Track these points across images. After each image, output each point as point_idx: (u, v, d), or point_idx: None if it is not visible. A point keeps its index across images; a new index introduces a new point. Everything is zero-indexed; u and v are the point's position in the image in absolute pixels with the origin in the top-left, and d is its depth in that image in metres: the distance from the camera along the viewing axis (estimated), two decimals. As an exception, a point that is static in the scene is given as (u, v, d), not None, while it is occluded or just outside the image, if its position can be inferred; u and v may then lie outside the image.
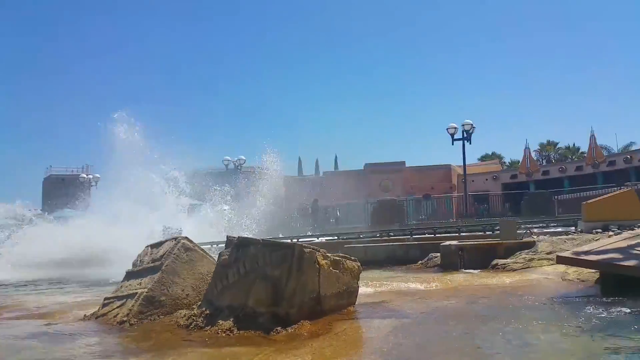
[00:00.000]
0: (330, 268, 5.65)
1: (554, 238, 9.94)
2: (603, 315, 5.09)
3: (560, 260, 6.56)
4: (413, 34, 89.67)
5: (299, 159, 57.69)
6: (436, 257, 10.82)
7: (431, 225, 20.82)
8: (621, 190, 11.34)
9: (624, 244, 6.75)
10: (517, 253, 9.58)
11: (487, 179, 38.57)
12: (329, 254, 5.77)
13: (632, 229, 8.87)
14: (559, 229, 11.83)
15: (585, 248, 6.92)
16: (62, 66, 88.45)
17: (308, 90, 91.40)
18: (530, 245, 9.71)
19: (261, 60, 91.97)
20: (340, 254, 6.08)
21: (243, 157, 27.05)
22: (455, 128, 21.17)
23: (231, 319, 5.15)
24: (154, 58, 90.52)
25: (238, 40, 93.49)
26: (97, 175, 34.93)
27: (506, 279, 8.29)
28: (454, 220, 27.71)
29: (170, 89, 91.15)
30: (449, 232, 16.00)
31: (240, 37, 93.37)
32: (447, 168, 38.72)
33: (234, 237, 5.77)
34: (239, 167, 26.87)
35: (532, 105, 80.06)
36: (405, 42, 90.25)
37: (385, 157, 50.51)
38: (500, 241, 10.03)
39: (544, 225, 13.92)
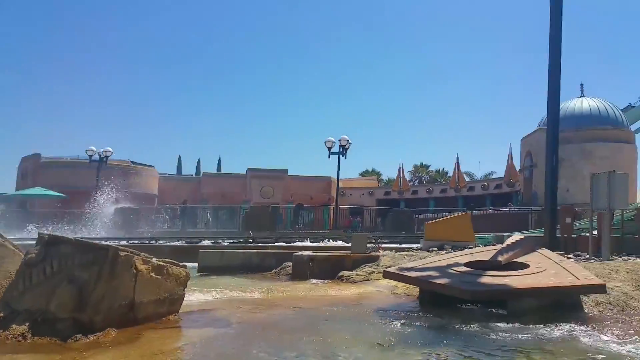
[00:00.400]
0: (151, 274, 5.40)
1: (397, 254, 10.58)
2: (404, 329, 5.48)
3: (386, 275, 6.96)
4: (303, 41, 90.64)
5: (179, 157, 55.34)
6: (289, 266, 10.95)
7: (299, 235, 21.31)
8: (458, 214, 12.48)
9: (444, 263, 7.36)
10: (362, 266, 10.05)
11: (363, 194, 40.42)
12: (153, 259, 5.52)
13: (463, 250, 9.78)
14: (406, 245, 12.66)
15: (410, 265, 7.43)
16: None
17: (191, 87, 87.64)
18: (374, 259, 10.22)
19: (148, 50, 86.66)
20: (167, 260, 5.85)
21: (110, 149, 25.29)
22: (333, 142, 21.94)
23: (27, 324, 4.68)
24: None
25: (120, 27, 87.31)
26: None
27: (345, 290, 8.64)
28: (330, 230, 28.56)
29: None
30: (314, 242, 16.46)
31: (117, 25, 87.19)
32: (328, 180, 39.86)
33: (45, 235, 5.28)
34: (105, 160, 25.07)
35: (410, 128, 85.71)
36: (296, 50, 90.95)
37: (270, 165, 50.69)
38: (349, 254, 10.45)
39: (400, 241, 14.86)
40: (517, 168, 30.77)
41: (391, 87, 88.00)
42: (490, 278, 6.35)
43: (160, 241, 16.73)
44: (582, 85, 29.16)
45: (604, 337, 5.07)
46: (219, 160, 52.94)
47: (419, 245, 12.53)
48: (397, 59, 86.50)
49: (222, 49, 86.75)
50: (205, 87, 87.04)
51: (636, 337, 5.08)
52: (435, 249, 10.34)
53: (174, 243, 15.26)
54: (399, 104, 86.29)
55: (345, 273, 9.89)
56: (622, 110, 36.39)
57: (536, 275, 6.42)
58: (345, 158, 22.53)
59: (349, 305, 7.04)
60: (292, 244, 13.42)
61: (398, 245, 13.55)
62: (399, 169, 39.01)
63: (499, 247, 7.96)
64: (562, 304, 6.38)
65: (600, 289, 5.86)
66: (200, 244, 13.97)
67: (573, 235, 10.98)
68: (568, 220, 11.15)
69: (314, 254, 10.60)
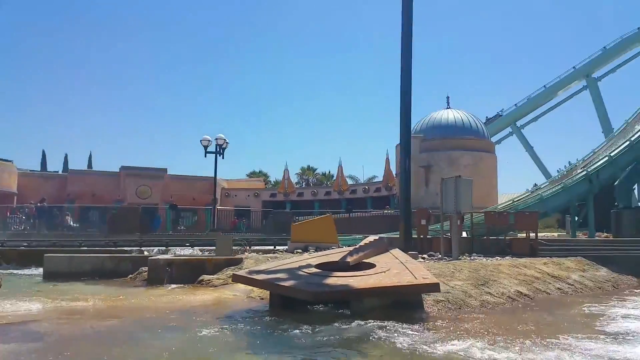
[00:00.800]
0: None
1: (261, 255, 10.39)
2: (241, 337, 5.28)
3: (235, 278, 6.71)
4: (188, 33, 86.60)
5: (43, 152, 49.73)
6: (146, 271, 10.24)
7: (178, 237, 20.31)
8: (321, 217, 12.66)
9: (297, 264, 7.28)
10: (225, 269, 9.67)
11: (249, 195, 39.84)
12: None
13: (326, 250, 9.85)
14: (281, 247, 12.51)
15: (262, 267, 7.25)
16: None
17: (56, 76, 77.65)
18: (238, 261, 9.92)
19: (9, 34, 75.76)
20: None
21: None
22: (209, 141, 21.24)
23: None
24: None
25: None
26: None
27: (200, 295, 8.21)
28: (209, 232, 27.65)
29: None
30: (184, 245, 15.70)
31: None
32: (210, 180, 38.65)
33: None
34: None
35: (298, 131, 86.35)
36: (179, 45, 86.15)
37: (148, 163, 47.63)
38: (209, 257, 10.03)
39: (275, 242, 14.69)
40: (394, 172, 32.41)
41: (282, 90, 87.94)
42: (335, 279, 6.37)
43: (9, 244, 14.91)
44: (448, 97, 31.56)
45: (428, 336, 5.28)
46: (90, 157, 48.84)
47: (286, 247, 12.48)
48: (287, 65, 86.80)
49: (96, 37, 78.88)
50: (73, 76, 77.91)
51: (456, 335, 5.35)
52: (300, 250, 10.32)
53: (20, 247, 13.62)
54: (287, 106, 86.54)
55: (206, 277, 9.45)
56: (490, 119, 40.27)
57: (379, 275, 6.57)
58: (223, 157, 21.89)
59: (196, 313, 6.66)
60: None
61: (271, 247, 13.39)
62: (284, 171, 39.04)
63: (350, 248, 8.09)
64: (403, 302, 6.60)
65: (434, 287, 6.14)
66: (47, 247, 12.57)
67: (429, 237, 11.62)
68: (423, 222, 11.81)
69: (172, 257, 10.02)
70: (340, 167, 37.63)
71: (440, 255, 10.69)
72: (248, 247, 11.50)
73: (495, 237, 12.54)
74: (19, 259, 12.79)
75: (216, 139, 21.49)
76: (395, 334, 5.29)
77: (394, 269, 7.01)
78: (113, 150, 77.27)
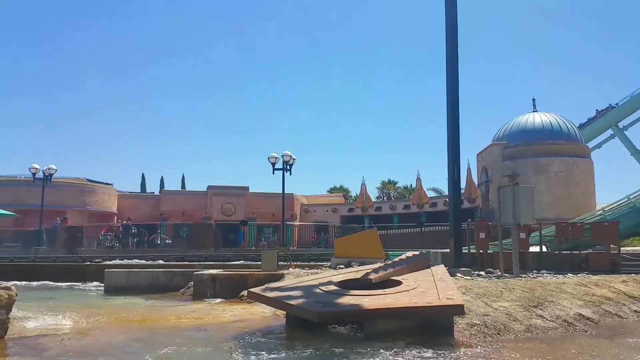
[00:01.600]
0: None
1: (303, 271, 10.06)
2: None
3: (250, 295, 6.42)
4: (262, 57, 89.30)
5: (143, 175, 55.54)
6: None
7: (247, 252, 20.71)
8: (366, 231, 12.03)
9: (316, 281, 6.85)
10: (266, 284, 9.48)
11: (327, 210, 39.88)
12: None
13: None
14: (324, 264, 12.13)
15: (279, 284, 6.92)
16: None
17: (150, 102, 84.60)
18: (279, 277, 9.68)
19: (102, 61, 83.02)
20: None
21: (54, 167, 24.43)
22: (277, 158, 21.45)
23: None
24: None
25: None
26: None
27: (231, 312, 8.08)
28: (293, 247, 28.14)
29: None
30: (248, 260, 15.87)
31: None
32: (290, 197, 39.25)
33: None
34: (49, 178, 24.19)
35: (376, 144, 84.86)
36: (255, 67, 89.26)
37: (232, 182, 49.97)
38: (251, 272, 9.90)
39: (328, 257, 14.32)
40: (477, 183, 30.59)
41: (359, 101, 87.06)
42: (349, 298, 5.86)
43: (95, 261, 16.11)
44: (534, 100, 29.11)
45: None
46: (182, 178, 52.09)
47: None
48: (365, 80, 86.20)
49: (179, 64, 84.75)
50: (162, 108, 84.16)
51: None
52: (342, 265, 9.84)
53: (104, 262, 14.53)
54: (362, 118, 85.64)
55: (246, 292, 9.34)
56: (582, 125, 36.78)
57: (400, 294, 5.95)
58: (290, 174, 22.04)
59: (214, 329, 6.49)
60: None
61: (324, 263, 13.04)
62: (361, 186, 38.60)
63: (378, 265, 7.50)
64: (431, 325, 5.90)
65: (456, 310, 5.39)
66: (108, 262, 13.26)
67: (489, 252, 10.56)
68: (482, 235, 10.76)
69: (216, 272, 10.02)
70: (418, 180, 36.33)
71: (500, 273, 9.64)
72: (292, 263, 11.23)
73: (569, 252, 11.11)
74: (96, 274, 13.66)
75: (282, 155, 21.69)
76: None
77: (421, 287, 6.33)
78: (203, 171, 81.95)
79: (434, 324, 5.93)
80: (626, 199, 17.68)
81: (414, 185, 49.63)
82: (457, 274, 9.08)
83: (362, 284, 6.65)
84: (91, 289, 11.96)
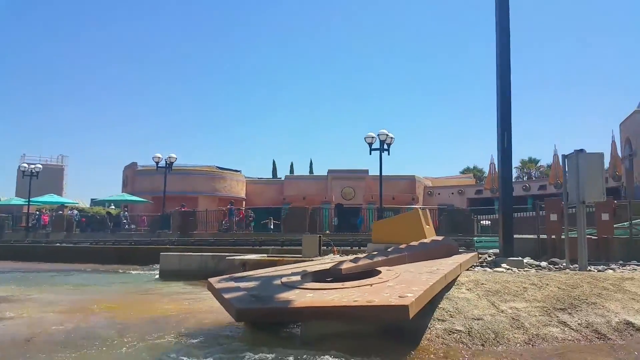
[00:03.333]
0: None
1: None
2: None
3: (208, 285, 5.97)
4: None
5: (274, 161, 59.85)
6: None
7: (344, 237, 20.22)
8: (407, 212, 10.55)
9: (289, 271, 6.15)
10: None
11: (452, 193, 37.45)
12: None
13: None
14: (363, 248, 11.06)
15: (249, 273, 6.35)
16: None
17: (284, 91, 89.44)
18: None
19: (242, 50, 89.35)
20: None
21: (174, 155, 26.68)
22: (373, 137, 20.44)
23: None
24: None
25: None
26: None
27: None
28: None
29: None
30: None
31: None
32: (412, 179, 37.76)
33: None
34: (169, 165, 26.54)
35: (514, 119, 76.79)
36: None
37: (356, 165, 49.78)
38: (281, 257, 9.45)
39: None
40: (621, 156, 25.70)
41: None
42: (296, 292, 5.05)
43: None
44: None
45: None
46: (310, 163, 53.39)
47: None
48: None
49: (302, 52, 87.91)
50: (292, 90, 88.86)
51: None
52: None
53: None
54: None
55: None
56: None
57: (355, 289, 4.97)
58: (389, 154, 20.87)
59: (146, 323, 6.22)
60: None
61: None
62: (490, 165, 35.01)
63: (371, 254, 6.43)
64: (395, 330, 4.83)
65: (398, 312, 4.20)
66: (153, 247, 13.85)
67: (562, 237, 8.50)
68: (554, 217, 8.68)
69: (247, 258, 9.78)
70: (555, 156, 31.86)
71: (565, 264, 7.69)
72: (336, 248, 10.45)
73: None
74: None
75: (378, 134, 20.65)
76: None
77: (395, 281, 5.24)
78: (325, 156, 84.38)
79: (398, 329, 4.84)
80: None
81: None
82: (503, 265, 7.47)
83: (333, 274, 5.75)
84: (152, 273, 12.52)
